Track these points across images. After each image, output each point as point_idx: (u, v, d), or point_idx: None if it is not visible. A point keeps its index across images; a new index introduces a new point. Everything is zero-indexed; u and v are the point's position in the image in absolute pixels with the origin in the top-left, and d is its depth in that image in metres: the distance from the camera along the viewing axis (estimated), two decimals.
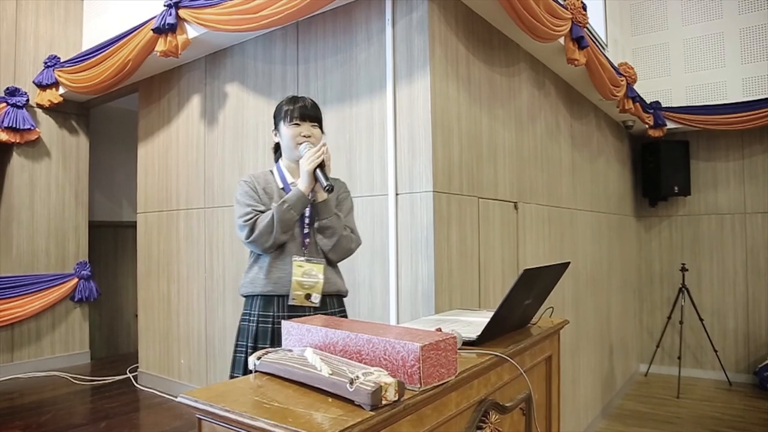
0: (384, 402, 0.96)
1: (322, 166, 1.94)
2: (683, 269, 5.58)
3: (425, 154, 2.60)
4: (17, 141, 4.79)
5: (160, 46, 3.56)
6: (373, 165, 2.83)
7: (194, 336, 3.99)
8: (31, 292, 4.88)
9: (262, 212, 1.95)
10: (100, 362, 5.41)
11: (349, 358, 1.18)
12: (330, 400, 1.03)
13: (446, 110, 2.71)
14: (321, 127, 2.10)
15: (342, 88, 3.00)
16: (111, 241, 5.96)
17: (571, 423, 3.90)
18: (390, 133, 2.74)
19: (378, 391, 0.95)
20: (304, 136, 2.01)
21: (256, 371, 1.26)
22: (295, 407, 1.00)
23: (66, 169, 5.27)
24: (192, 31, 3.54)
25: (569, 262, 1.71)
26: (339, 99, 3.01)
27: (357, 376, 0.99)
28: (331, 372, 1.05)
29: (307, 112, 2.04)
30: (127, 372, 4.83)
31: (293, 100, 2.07)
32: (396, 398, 0.97)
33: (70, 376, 4.77)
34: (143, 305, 4.53)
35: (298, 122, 2.02)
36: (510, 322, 1.60)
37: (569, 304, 4.07)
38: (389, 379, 0.97)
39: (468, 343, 1.46)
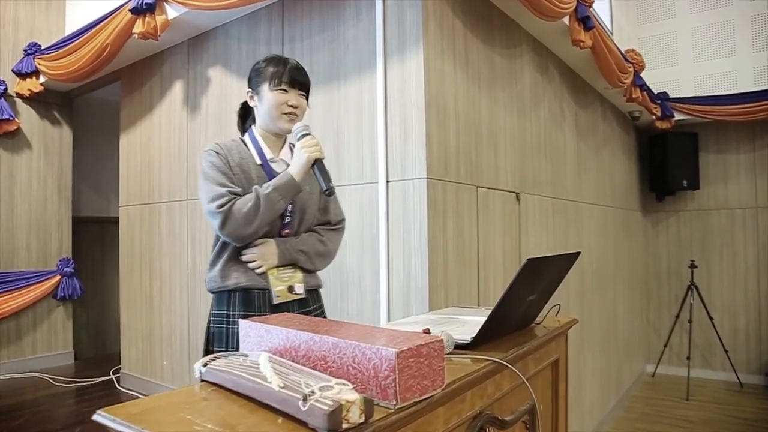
0: (346, 425, 0.74)
1: (321, 160, 1.66)
2: (692, 266, 5.37)
3: (418, 138, 2.38)
4: None
5: (138, 27, 3.35)
6: (362, 150, 2.61)
7: (177, 336, 3.78)
8: (11, 290, 4.66)
9: (238, 195, 1.63)
10: (85, 362, 5.20)
11: (313, 366, 0.97)
12: (280, 420, 0.81)
13: (441, 90, 2.48)
14: (307, 98, 1.81)
15: (329, 67, 2.78)
16: (97, 237, 5.73)
17: (576, 426, 3.69)
18: (380, 114, 2.52)
19: (337, 412, 0.73)
20: (291, 106, 1.71)
21: (202, 380, 1.05)
22: (233, 431, 0.78)
23: (48, 161, 5.05)
24: (172, 11, 3.33)
25: (579, 252, 1.49)
26: (326, 79, 2.79)
27: (312, 392, 0.77)
28: (282, 385, 0.84)
29: (298, 78, 1.74)
30: (110, 373, 4.62)
31: (281, 60, 1.74)
32: (362, 420, 0.76)
33: (51, 378, 4.57)
34: (126, 303, 4.32)
35: (285, 88, 1.71)
36: (511, 321, 1.38)
37: (574, 302, 3.85)
38: (352, 396, 0.75)
39: (461, 347, 1.24)
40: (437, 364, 0.90)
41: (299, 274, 1.76)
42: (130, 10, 3.37)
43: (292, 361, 1.01)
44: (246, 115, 1.89)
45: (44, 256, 4.99)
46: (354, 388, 0.81)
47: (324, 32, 2.82)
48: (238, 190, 1.65)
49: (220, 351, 1.66)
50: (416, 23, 2.41)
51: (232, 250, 1.70)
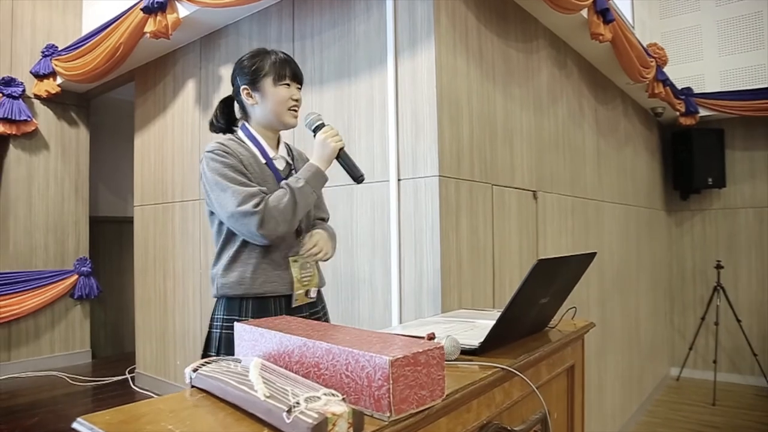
0: None
1: (344, 149, 1.64)
2: (718, 266, 5.20)
3: (430, 135, 2.32)
4: (13, 133, 4.62)
5: (150, 26, 3.34)
6: (373, 148, 2.55)
7: (189, 336, 3.76)
8: (29, 289, 4.70)
9: (264, 193, 1.56)
10: (102, 361, 5.23)
11: (306, 373, 0.91)
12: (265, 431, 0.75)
13: (454, 85, 2.41)
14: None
15: (340, 64, 2.73)
16: (116, 237, 5.76)
17: (597, 431, 3.58)
18: (391, 111, 2.45)
19: (321, 426, 0.67)
20: (295, 100, 1.66)
21: (192, 386, 1.00)
22: None
23: (65, 161, 5.09)
24: (183, 10, 3.31)
25: (595, 253, 1.41)
26: (337, 77, 2.74)
27: (297, 403, 0.71)
28: (268, 394, 0.78)
29: (298, 72, 1.70)
30: (126, 373, 4.62)
31: (275, 53, 1.67)
32: None
33: (68, 377, 4.59)
34: (140, 303, 4.32)
35: (289, 82, 1.66)
36: (523, 325, 1.31)
37: (594, 304, 3.75)
38: (339, 408, 0.69)
39: (469, 353, 1.17)
40: (437, 373, 0.84)
41: (316, 278, 1.74)
42: (141, 9, 3.37)
43: (286, 367, 0.96)
44: (230, 113, 1.79)
45: (61, 255, 5.03)
46: (344, 398, 0.75)
47: (334, 28, 2.77)
48: (264, 188, 1.57)
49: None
50: (427, 18, 2.34)
51: (246, 257, 1.62)
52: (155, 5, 3.27)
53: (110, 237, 5.72)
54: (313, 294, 1.72)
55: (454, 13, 2.45)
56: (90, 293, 5.09)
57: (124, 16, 3.65)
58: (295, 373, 0.93)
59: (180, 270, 3.86)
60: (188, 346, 3.78)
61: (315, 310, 1.76)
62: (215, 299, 1.69)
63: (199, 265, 3.66)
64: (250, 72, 1.66)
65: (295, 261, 1.67)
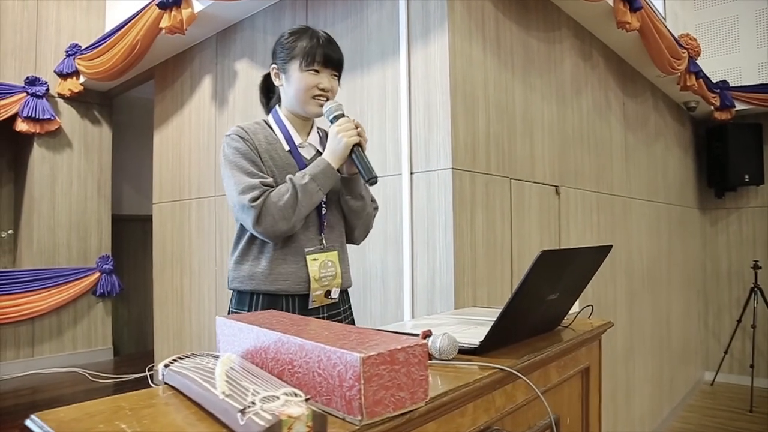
0: None
1: (361, 146, 1.50)
2: (756, 267, 4.96)
3: (443, 126, 2.22)
4: (37, 131, 4.70)
5: (165, 22, 3.33)
6: (386, 141, 2.47)
7: (205, 334, 3.74)
8: (52, 286, 4.77)
9: (270, 186, 1.46)
10: (124, 359, 5.28)
11: (280, 371, 0.83)
12: None
13: (469, 75, 2.31)
14: (340, 77, 1.61)
15: (352, 55, 2.65)
16: (138, 235, 5.81)
17: None
18: (404, 102, 2.37)
19: (275, 428, 0.59)
20: (322, 89, 1.53)
21: (164, 383, 0.93)
22: None
23: (88, 160, 5.15)
24: (198, 5, 3.28)
25: (611, 246, 1.29)
26: (349, 68, 2.64)
27: (252, 403, 0.63)
28: (227, 393, 0.70)
29: (334, 57, 1.55)
30: (146, 370, 4.63)
31: (312, 34, 1.55)
32: None
33: (89, 373, 4.63)
34: (158, 301, 4.32)
35: (317, 68, 1.53)
36: (529, 323, 1.21)
37: (622, 304, 3.59)
38: (297, 410, 0.61)
39: (469, 352, 1.07)
40: (418, 373, 0.74)
41: (339, 278, 1.60)
42: (156, 5, 3.36)
43: (262, 364, 0.88)
44: (269, 90, 1.71)
45: (84, 253, 5.09)
46: (308, 398, 0.67)
47: (347, 18, 2.70)
48: (269, 180, 1.48)
49: None
50: (441, 5, 2.25)
51: (259, 251, 1.53)
52: (170, 0, 3.25)
53: (133, 235, 5.77)
54: (335, 295, 1.58)
55: (470, 0, 2.35)
56: (112, 291, 5.14)
57: (140, 13, 3.66)
58: (271, 370, 0.85)
59: (196, 267, 3.84)
60: (204, 343, 3.76)
61: (335, 312, 1.62)
62: (231, 292, 1.61)
63: (215, 262, 3.63)
64: (280, 51, 1.58)
65: (315, 259, 1.54)
